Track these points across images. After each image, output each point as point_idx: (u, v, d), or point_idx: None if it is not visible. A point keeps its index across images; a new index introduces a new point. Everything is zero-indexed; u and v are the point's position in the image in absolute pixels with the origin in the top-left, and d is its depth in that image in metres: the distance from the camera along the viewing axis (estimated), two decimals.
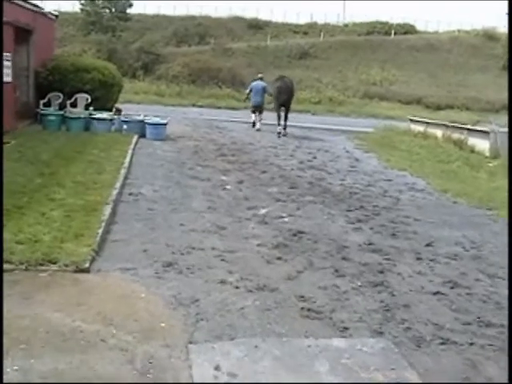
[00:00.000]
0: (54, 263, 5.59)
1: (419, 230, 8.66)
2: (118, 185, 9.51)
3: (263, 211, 9.07)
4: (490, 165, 16.22)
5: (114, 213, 7.94)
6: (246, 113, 26.58)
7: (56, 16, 20.86)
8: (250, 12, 53.25)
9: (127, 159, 12.10)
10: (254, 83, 21.37)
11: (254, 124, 21.09)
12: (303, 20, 56.16)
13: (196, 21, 49.44)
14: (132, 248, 6.61)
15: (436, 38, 55.41)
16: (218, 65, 41.61)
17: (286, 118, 20.02)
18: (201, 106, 36.09)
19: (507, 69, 17.84)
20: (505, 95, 45.98)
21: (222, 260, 6.48)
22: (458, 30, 57.71)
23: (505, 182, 13.17)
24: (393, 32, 54.63)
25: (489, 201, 10.89)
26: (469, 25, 59.47)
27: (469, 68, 50.92)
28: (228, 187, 10.64)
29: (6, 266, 5.45)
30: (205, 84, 39.52)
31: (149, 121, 16.43)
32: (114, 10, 43.35)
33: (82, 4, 44.52)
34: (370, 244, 7.76)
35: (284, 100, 20.01)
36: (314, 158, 15.17)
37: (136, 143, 14.71)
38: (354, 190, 11.25)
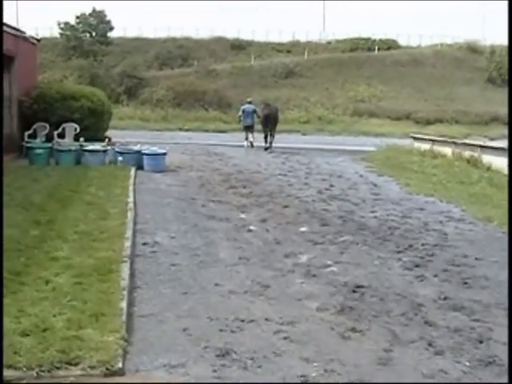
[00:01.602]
0: (76, 365, 4.12)
1: (489, 274, 7.36)
2: (128, 233, 8.06)
3: (304, 259, 7.69)
4: None
5: (132, 273, 6.48)
6: (235, 135, 25.52)
7: (38, 40, 19.43)
8: (231, 32, 52.22)
9: (130, 198, 10.65)
10: (245, 106, 23.64)
11: (251, 144, 23.24)
12: (285, 38, 55.27)
13: (178, 43, 48.25)
14: (168, 327, 5.17)
15: (419, 53, 54.88)
16: (203, 87, 40.44)
17: (272, 137, 22.97)
18: (188, 130, 34.82)
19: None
20: (493, 108, 45.94)
21: (286, 339, 5.07)
22: (441, 44, 57.29)
23: None
24: (376, 48, 53.97)
25: None
26: (450, 38, 59.06)
27: (454, 81, 50.34)
28: (252, 228, 9.24)
29: (10, 374, 3.99)
30: (190, 107, 38.30)
31: (146, 151, 15.00)
32: (94, 34, 41.95)
33: (61, 29, 43.06)
34: (445, 299, 6.42)
35: (270, 126, 22.93)
36: (331, 185, 13.87)
37: (135, 177, 13.28)
38: (392, 224, 9.93)
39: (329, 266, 7.43)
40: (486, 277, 7.26)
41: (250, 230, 9.11)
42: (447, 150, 20.38)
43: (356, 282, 6.78)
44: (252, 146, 22.95)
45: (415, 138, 23.57)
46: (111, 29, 43.31)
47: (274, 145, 23.20)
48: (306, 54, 50.70)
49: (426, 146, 21.97)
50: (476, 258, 8.11)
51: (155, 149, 15.51)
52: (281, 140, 25.69)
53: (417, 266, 7.63)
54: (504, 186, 14.56)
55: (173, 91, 38.68)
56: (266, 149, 22.34)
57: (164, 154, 15.09)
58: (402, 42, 57.56)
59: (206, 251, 7.78)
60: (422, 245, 8.69)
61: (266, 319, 5.50)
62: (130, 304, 5.59)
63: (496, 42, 55.24)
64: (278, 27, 56.80)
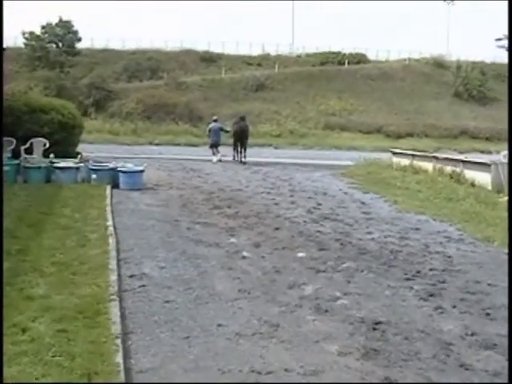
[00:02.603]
0: None
1: (507, 303, 6.75)
2: (112, 264, 7.23)
3: (309, 290, 6.97)
4: (501, 200, 14.65)
5: (122, 314, 5.66)
6: (207, 149, 25.04)
7: (3, 49, 18.38)
8: (201, 45, 51.55)
9: (110, 221, 9.80)
10: (212, 125, 24.50)
11: (219, 159, 23.70)
12: (255, 52, 54.90)
13: (147, 55, 47.33)
14: None
15: (389, 67, 55.06)
16: (174, 100, 39.64)
17: (244, 150, 23.81)
18: (158, 144, 33.98)
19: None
20: (461, 122, 46.17)
21: None
22: (409, 59, 57.60)
23: None
24: (346, 62, 53.92)
25: None
26: (417, 53, 59.44)
27: (423, 95, 50.59)
28: (246, 254, 8.48)
29: None
30: (161, 120, 37.47)
31: (122, 168, 14.13)
32: (61, 44, 40.73)
33: (26, 39, 41.72)
34: (472, 334, 5.80)
35: (241, 141, 23.79)
36: (319, 204, 13.23)
37: (112, 196, 12.42)
38: (392, 248, 9.32)
39: (338, 298, 6.73)
40: (505, 306, 6.66)
41: (244, 257, 8.36)
42: (428, 165, 19.97)
43: (373, 318, 6.10)
44: (220, 160, 23.44)
45: (394, 153, 23.10)
46: (78, 39, 42.18)
47: (248, 159, 23.57)
48: (277, 68, 50.34)
49: (405, 161, 21.54)
50: (489, 284, 7.55)
51: (131, 165, 14.65)
52: (254, 154, 25.26)
53: (431, 295, 7.00)
54: (492, 203, 14.20)
55: (142, 104, 37.77)
56: (241, 162, 23.34)
57: (141, 171, 14.24)
58: (371, 56, 57.73)
59: (200, 283, 6.99)
60: (430, 270, 8.11)
61: (286, 370, 4.76)
62: (126, 355, 4.78)
63: (461, 58, 55.84)
64: (248, 40, 56.13)
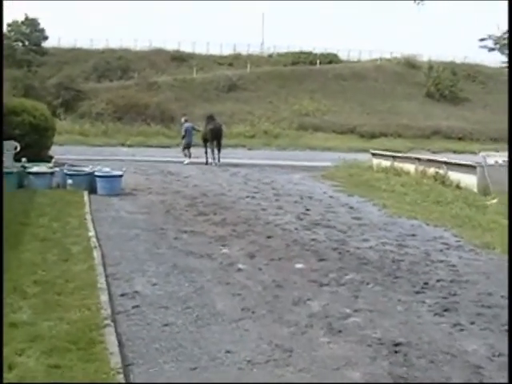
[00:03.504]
0: None
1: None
2: (101, 281, 6.61)
3: (316, 307, 6.46)
4: (488, 203, 14.40)
5: (120, 342, 5.07)
6: (179, 151, 24.44)
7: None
8: (171, 44, 50.76)
9: (91, 231, 9.17)
10: (186, 125, 24.02)
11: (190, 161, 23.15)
12: (226, 51, 54.33)
13: (116, 54, 46.36)
14: None
15: (361, 67, 55.00)
16: (145, 100, 38.86)
17: (219, 152, 23.18)
18: (130, 146, 33.20)
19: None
20: (433, 122, 46.26)
21: None
22: (380, 59, 57.68)
23: None
24: (318, 62, 53.71)
25: None
26: (389, 53, 59.58)
27: (395, 95, 50.66)
28: (241, 267, 7.93)
29: None
30: (132, 121, 36.66)
31: (100, 173, 13.43)
32: (27, 43, 39.53)
33: None
34: (499, 355, 5.36)
35: (218, 141, 23.12)
36: (307, 209, 12.75)
37: (90, 203, 11.74)
38: (393, 256, 8.89)
39: (349, 315, 6.23)
40: None
41: (239, 270, 7.81)
42: (410, 167, 19.69)
43: (391, 338, 5.61)
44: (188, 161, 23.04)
45: (374, 154, 22.79)
46: (45, 38, 41.04)
47: (224, 161, 23.12)
48: (249, 67, 49.83)
49: (386, 163, 21.26)
50: (502, 297, 7.13)
51: (108, 170, 13.97)
52: (229, 155, 24.75)
53: (445, 310, 6.55)
54: (482, 207, 13.90)
55: (113, 104, 36.89)
56: (212, 163, 22.75)
57: (120, 175, 13.57)
58: (343, 56, 57.60)
59: (198, 302, 6.41)
60: (437, 281, 7.67)
61: None
62: None
63: (432, 58, 56.10)
64: (219, 40, 55.50)
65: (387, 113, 47.47)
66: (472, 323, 6.18)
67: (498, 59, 57.66)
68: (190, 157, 23.26)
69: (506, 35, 17.98)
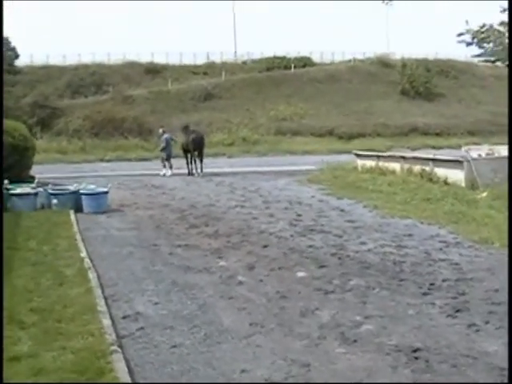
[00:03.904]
0: None
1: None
2: (101, 305, 6.35)
3: (325, 316, 6.27)
4: (478, 197, 14.35)
5: (129, 369, 4.81)
6: (159, 163, 24.06)
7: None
8: (144, 56, 50.28)
9: (83, 252, 8.89)
10: (166, 136, 23.69)
11: (165, 174, 22.90)
12: (200, 60, 53.99)
13: (90, 69, 45.87)
14: None
15: (335, 69, 55.11)
16: (121, 114, 38.42)
17: (201, 161, 22.84)
18: (109, 161, 32.82)
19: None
20: (410, 119, 46.49)
21: None
22: (354, 59, 57.83)
23: None
24: (292, 66, 53.70)
25: None
26: (361, 53, 59.81)
27: (370, 95, 50.78)
28: (242, 279, 7.71)
29: None
30: (109, 136, 36.24)
31: (85, 191, 13.12)
32: None
33: None
34: None
35: (200, 151, 22.90)
36: (299, 215, 12.59)
37: (78, 223, 11.44)
38: (393, 258, 8.75)
39: (361, 323, 6.04)
40: None
41: (240, 282, 7.59)
42: (395, 166, 19.60)
43: (409, 345, 5.44)
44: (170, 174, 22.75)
45: (358, 155, 22.69)
46: (17, 56, 40.36)
47: (205, 170, 22.83)
48: (223, 76, 49.63)
49: (371, 163, 21.16)
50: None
51: (94, 187, 13.67)
52: (210, 165, 24.50)
53: (457, 310, 6.41)
54: (473, 201, 13.84)
55: (89, 120, 36.44)
56: (197, 174, 22.48)
57: (106, 192, 13.28)
58: (316, 59, 57.66)
59: (204, 319, 6.18)
60: (443, 281, 7.55)
61: None
62: None
63: (405, 55, 56.45)
64: (192, 50, 55.20)
65: (364, 113, 47.59)
66: (486, 322, 6.04)
67: (468, 53, 58.37)
68: (171, 168, 22.96)
69: (484, 29, 18.07)
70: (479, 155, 19.91)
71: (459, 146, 35.18)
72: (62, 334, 5.47)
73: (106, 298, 6.72)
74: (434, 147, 38.60)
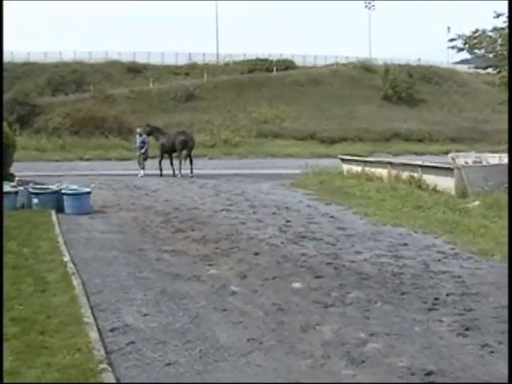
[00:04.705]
0: None
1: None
2: (87, 315, 5.88)
3: (327, 332, 5.88)
4: (470, 206, 14.10)
5: None
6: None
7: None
8: (126, 56, 49.65)
9: (66, 256, 8.40)
10: (145, 136, 23.24)
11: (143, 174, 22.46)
12: (182, 61, 53.51)
13: (71, 67, 45.16)
14: None
15: (317, 72, 55.07)
16: (102, 113, 37.85)
17: (191, 163, 22.75)
18: (89, 160, 32.26)
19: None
20: (392, 125, 46.49)
21: None
22: (336, 63, 57.83)
23: None
24: (274, 68, 53.50)
25: None
26: (344, 58, 59.86)
27: (353, 100, 50.83)
28: (235, 289, 7.29)
29: None
30: (90, 135, 35.65)
31: (67, 191, 12.59)
32: None
33: None
34: None
35: (190, 151, 22.80)
36: (288, 221, 12.21)
37: (59, 224, 10.92)
38: (392, 269, 8.39)
39: (366, 341, 5.65)
40: None
41: (234, 293, 7.16)
42: (382, 172, 19.33)
43: (421, 367, 5.08)
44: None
45: (343, 160, 22.41)
46: None
47: (188, 172, 22.54)
48: (205, 77, 49.22)
49: (357, 168, 20.89)
50: None
51: (76, 187, 13.15)
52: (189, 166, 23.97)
53: (467, 329, 6.05)
54: (465, 210, 13.57)
55: (69, 118, 35.80)
56: (181, 175, 22.22)
57: (88, 193, 12.77)
58: (299, 62, 57.53)
59: (198, 334, 5.75)
60: (447, 295, 7.19)
61: None
62: None
63: (387, 61, 56.56)
64: (173, 49, 54.67)
65: (346, 117, 47.55)
66: (500, 343, 5.68)
67: (450, 60, 58.67)
68: (143, 169, 22.59)
69: (476, 34, 17.95)
70: (466, 162, 19.75)
71: (442, 153, 35.35)
72: (46, 348, 5.01)
73: (91, 308, 6.25)
74: (416, 153, 38.62)
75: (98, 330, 5.62)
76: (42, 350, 5.00)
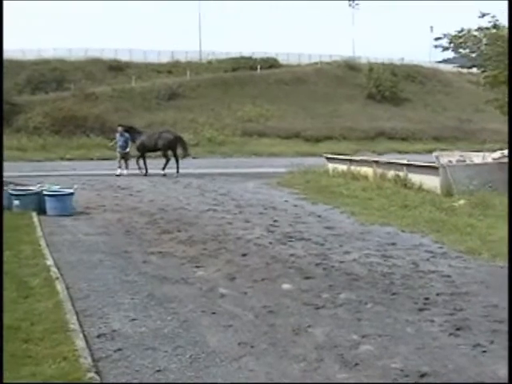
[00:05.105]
0: None
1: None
2: (72, 321, 5.73)
3: (319, 335, 5.79)
4: (456, 205, 14.09)
5: None
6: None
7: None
8: (107, 53, 49.25)
9: (49, 260, 8.22)
10: (128, 135, 22.87)
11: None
12: (164, 59, 53.19)
13: (51, 65, 44.62)
14: None
15: (301, 71, 55.06)
16: (83, 112, 37.44)
17: (177, 161, 22.60)
18: (71, 159, 31.88)
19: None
20: (376, 123, 46.63)
21: None
22: (320, 62, 57.85)
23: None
24: (258, 67, 53.39)
25: None
26: (328, 56, 59.94)
27: (337, 98, 50.90)
28: (224, 292, 7.16)
29: None
30: (71, 134, 35.25)
31: (49, 192, 12.37)
32: None
33: None
34: None
35: (175, 150, 22.74)
36: (275, 221, 12.10)
37: (41, 226, 10.71)
38: (381, 270, 8.32)
39: (359, 343, 5.57)
40: None
41: (223, 295, 7.04)
42: (367, 171, 19.30)
43: (415, 368, 5.00)
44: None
45: (329, 159, 22.35)
46: None
47: (172, 171, 22.24)
48: (188, 75, 48.96)
49: (342, 167, 20.85)
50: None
51: (58, 188, 12.93)
52: (174, 165, 23.80)
53: (458, 328, 5.98)
54: (451, 209, 13.56)
55: (50, 117, 35.38)
56: (164, 175, 22.01)
57: (71, 194, 12.56)
58: (283, 60, 57.47)
59: (188, 339, 5.62)
60: (437, 295, 7.13)
61: None
62: None
63: (371, 59, 56.73)
64: (156, 47, 54.33)
65: (330, 116, 47.57)
66: (491, 342, 5.62)
67: (433, 59, 58.97)
68: (127, 168, 22.40)
69: (461, 33, 17.99)
70: (450, 161, 19.78)
71: (425, 151, 35.51)
72: (31, 357, 4.85)
73: (77, 314, 6.09)
74: (400, 152, 38.70)
75: (85, 336, 5.46)
76: (27, 359, 4.84)
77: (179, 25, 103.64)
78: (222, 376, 4.83)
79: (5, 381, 4.31)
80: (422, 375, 4.89)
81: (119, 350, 5.27)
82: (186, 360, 5.12)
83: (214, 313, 6.39)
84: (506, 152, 18.61)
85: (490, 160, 18.19)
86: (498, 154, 18.74)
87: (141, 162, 22.40)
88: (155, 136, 22.89)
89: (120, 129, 23.42)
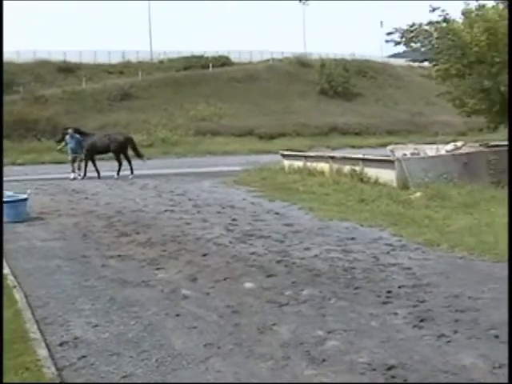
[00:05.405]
0: None
1: (505, 318, 5.98)
2: (32, 330, 5.58)
3: (285, 332, 5.79)
4: (412, 197, 14.32)
5: None
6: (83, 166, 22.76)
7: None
8: (56, 55, 48.27)
9: (5, 268, 7.99)
10: (79, 137, 22.15)
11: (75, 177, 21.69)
12: (115, 60, 52.47)
13: None
14: None
15: (253, 68, 55.11)
16: (34, 115, 36.67)
17: (130, 163, 22.47)
18: (22, 164, 31.13)
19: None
20: (329, 119, 47.05)
21: None
22: (272, 59, 58.01)
23: (466, 219, 11.38)
24: (210, 65, 53.21)
25: (490, 249, 8.76)
26: (279, 53, 60.15)
27: (289, 95, 51.11)
28: (186, 293, 7.10)
29: None
30: (22, 138, 34.43)
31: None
32: None
33: None
34: (500, 367, 4.93)
35: (126, 152, 22.60)
36: (234, 219, 12.05)
37: None
38: (342, 264, 8.37)
39: (325, 339, 5.59)
40: (505, 323, 5.85)
41: (185, 297, 6.97)
42: (323, 166, 19.41)
43: (381, 362, 5.04)
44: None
45: (284, 156, 22.41)
46: None
47: (127, 173, 21.86)
48: (140, 75, 48.45)
49: (298, 163, 20.92)
50: (469, 298, 6.79)
51: (10, 193, 12.59)
52: (128, 167, 23.52)
53: (422, 320, 6.07)
54: (408, 202, 13.74)
55: None
56: (117, 177, 21.65)
57: (25, 199, 12.25)
58: (234, 58, 57.41)
59: (153, 342, 5.54)
60: (399, 287, 7.22)
61: None
62: None
63: (323, 56, 57.19)
64: (106, 48, 53.55)
65: (283, 113, 47.76)
66: (455, 332, 5.72)
67: (384, 54, 59.84)
68: (77, 170, 21.80)
69: (413, 28, 18.29)
70: (405, 154, 20.07)
71: (379, 146, 35.98)
72: None
73: (37, 322, 5.94)
74: (353, 147, 39.12)
75: (47, 345, 5.33)
76: None
77: (129, 24, 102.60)
78: (190, 378, 4.78)
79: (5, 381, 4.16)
80: (389, 368, 4.93)
81: (83, 357, 5.16)
82: (152, 364, 5.05)
83: (177, 315, 6.32)
84: (458, 144, 19.02)
85: (443, 152, 18.53)
86: (451, 146, 19.13)
87: (82, 164, 21.81)
88: (105, 138, 22.55)
89: (70, 131, 22.77)
